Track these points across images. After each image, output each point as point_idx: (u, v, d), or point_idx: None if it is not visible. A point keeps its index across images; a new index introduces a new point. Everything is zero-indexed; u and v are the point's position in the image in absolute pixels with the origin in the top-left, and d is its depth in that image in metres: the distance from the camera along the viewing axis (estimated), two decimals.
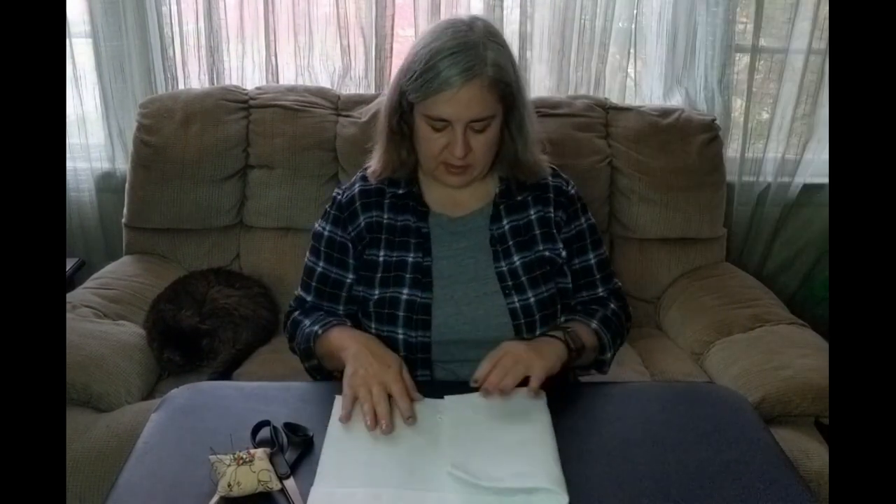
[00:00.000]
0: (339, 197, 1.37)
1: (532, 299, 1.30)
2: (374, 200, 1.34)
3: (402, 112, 1.27)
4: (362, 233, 1.33)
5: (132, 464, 0.99)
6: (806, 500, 0.97)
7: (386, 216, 1.33)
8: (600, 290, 1.38)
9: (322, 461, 0.99)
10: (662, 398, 1.18)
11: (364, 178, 1.37)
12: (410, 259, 1.30)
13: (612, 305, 1.37)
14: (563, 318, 1.32)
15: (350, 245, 1.34)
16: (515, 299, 1.29)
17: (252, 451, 0.96)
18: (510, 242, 1.33)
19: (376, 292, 1.30)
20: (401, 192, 1.34)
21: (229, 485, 0.91)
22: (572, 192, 1.38)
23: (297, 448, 1.01)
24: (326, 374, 1.31)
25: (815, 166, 2.41)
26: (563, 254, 1.34)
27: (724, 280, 2.09)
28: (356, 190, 1.36)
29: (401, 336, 1.27)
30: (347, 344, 1.19)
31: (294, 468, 0.98)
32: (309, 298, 1.38)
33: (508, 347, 1.16)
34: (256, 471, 0.93)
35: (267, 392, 1.17)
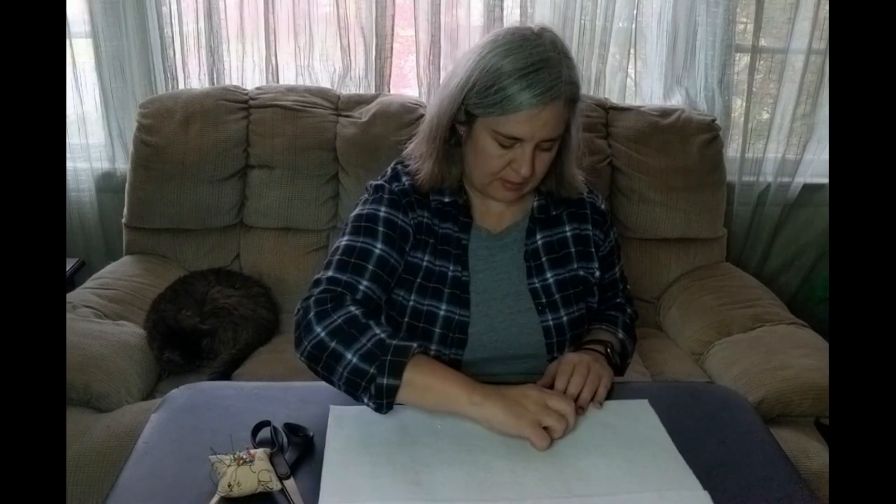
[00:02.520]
0: (392, 185, 1.27)
1: (565, 318, 1.28)
2: (424, 201, 1.27)
3: (457, 125, 1.21)
4: (413, 230, 1.25)
5: (132, 464, 0.99)
6: (806, 500, 0.97)
7: (434, 221, 1.27)
8: (620, 298, 1.42)
9: (325, 476, 0.97)
10: (662, 398, 1.18)
11: (404, 175, 1.29)
12: (450, 272, 1.25)
13: (629, 310, 1.41)
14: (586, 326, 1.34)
15: (411, 232, 1.24)
16: (549, 317, 1.27)
17: (252, 451, 0.95)
18: (543, 259, 1.30)
19: (412, 299, 1.23)
20: (446, 200, 1.27)
21: (229, 485, 0.91)
22: (603, 207, 1.38)
23: (297, 448, 1.01)
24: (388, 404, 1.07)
25: (815, 166, 2.41)
26: (598, 273, 1.33)
27: (724, 280, 2.09)
28: (407, 184, 1.27)
29: (433, 352, 1.23)
30: (451, 389, 1.03)
31: (294, 468, 0.98)
32: (363, 285, 1.16)
33: (574, 358, 1.16)
34: (256, 471, 0.93)
35: (267, 392, 1.17)
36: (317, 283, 1.17)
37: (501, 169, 1.19)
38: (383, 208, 1.23)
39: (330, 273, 1.17)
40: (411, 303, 1.23)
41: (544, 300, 1.27)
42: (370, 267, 1.18)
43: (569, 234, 1.32)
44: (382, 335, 1.05)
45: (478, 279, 1.27)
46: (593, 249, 1.33)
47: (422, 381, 1.03)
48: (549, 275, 1.29)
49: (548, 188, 1.31)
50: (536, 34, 1.14)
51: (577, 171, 1.30)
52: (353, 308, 1.10)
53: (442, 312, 1.23)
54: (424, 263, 1.24)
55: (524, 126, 1.13)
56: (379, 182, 1.29)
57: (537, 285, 1.28)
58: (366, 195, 1.28)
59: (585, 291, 1.31)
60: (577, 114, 1.21)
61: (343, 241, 1.22)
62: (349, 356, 1.05)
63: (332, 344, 1.07)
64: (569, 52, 1.17)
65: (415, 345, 1.04)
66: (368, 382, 1.03)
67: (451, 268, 1.25)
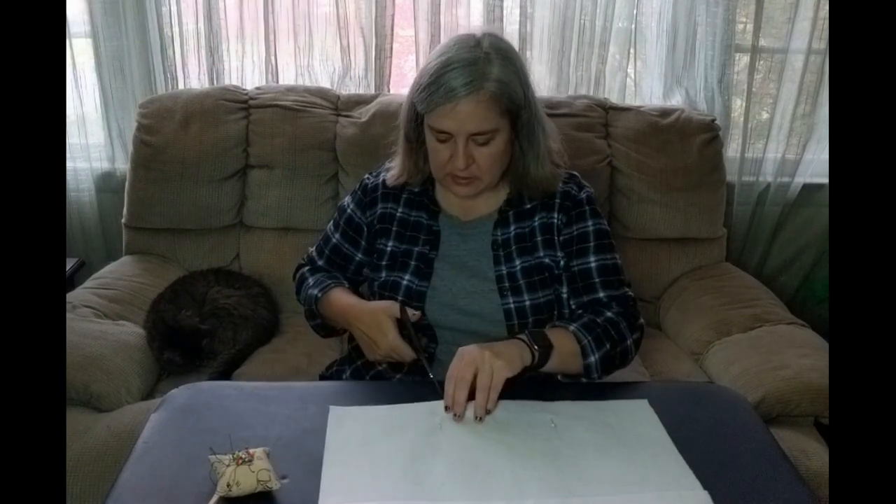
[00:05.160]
0: (367, 181, 1.46)
1: (527, 302, 1.33)
2: (393, 193, 1.42)
3: (415, 123, 1.31)
4: (375, 222, 1.42)
5: (132, 464, 0.99)
6: (806, 500, 0.97)
7: (400, 210, 1.41)
8: (601, 294, 1.32)
9: (324, 476, 0.97)
10: (662, 398, 1.18)
11: (385, 170, 1.44)
12: (417, 250, 1.38)
13: (610, 313, 1.30)
14: (554, 312, 1.35)
15: (365, 228, 1.44)
16: (511, 300, 1.33)
17: (251, 450, 0.96)
18: (513, 247, 1.36)
19: (383, 274, 1.38)
20: (416, 190, 1.41)
21: (228, 485, 0.91)
22: (581, 196, 1.38)
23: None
24: (331, 330, 1.46)
25: (815, 166, 2.41)
26: (562, 262, 1.36)
27: (724, 280, 2.09)
28: (380, 179, 1.44)
29: None
30: (341, 319, 1.36)
31: (294, 468, 0.97)
32: (320, 262, 1.50)
33: (463, 352, 1.13)
34: (255, 470, 0.93)
35: (267, 392, 1.17)
36: (308, 250, 1.55)
37: (446, 163, 1.28)
38: (351, 205, 1.47)
39: (312, 247, 1.54)
40: (382, 277, 1.38)
41: (507, 284, 1.34)
42: (326, 251, 1.49)
43: (537, 223, 1.37)
44: (314, 292, 1.41)
45: (446, 260, 1.37)
46: (556, 237, 1.36)
47: (333, 297, 1.37)
48: (517, 262, 1.35)
49: (516, 187, 1.37)
50: (476, 38, 1.25)
51: (556, 170, 1.36)
52: (305, 270, 1.51)
53: (404, 282, 1.36)
54: (389, 248, 1.40)
55: (447, 120, 1.23)
56: (367, 175, 1.48)
57: (504, 271, 1.35)
58: (357, 185, 1.48)
59: (552, 278, 1.36)
60: (530, 113, 1.28)
61: (329, 222, 1.52)
62: (303, 291, 1.45)
63: (299, 297, 1.49)
64: (509, 54, 1.25)
65: (317, 292, 1.39)
66: (306, 296, 1.43)
67: (419, 247, 1.38)
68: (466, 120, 1.22)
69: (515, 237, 1.37)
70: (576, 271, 1.35)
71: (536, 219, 1.37)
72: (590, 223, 1.36)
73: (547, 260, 1.35)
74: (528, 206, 1.38)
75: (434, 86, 1.21)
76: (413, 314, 1.28)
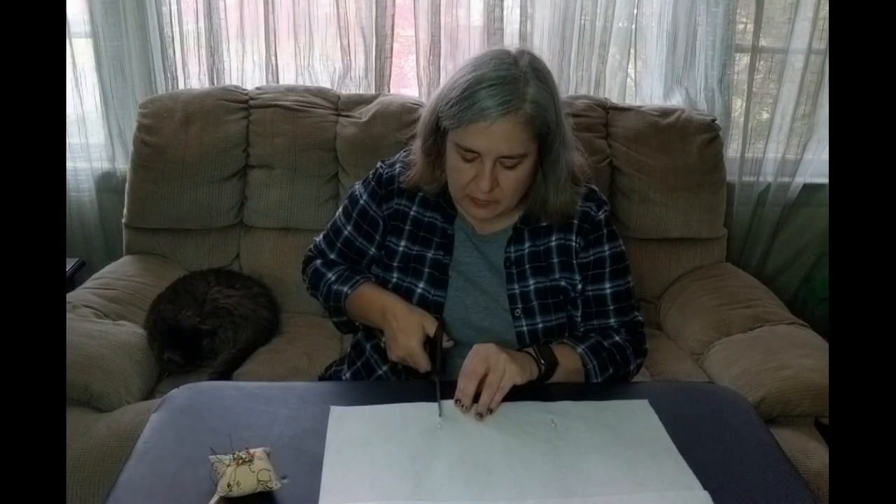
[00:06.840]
0: (382, 170, 1.38)
1: (540, 325, 1.30)
2: (409, 190, 1.35)
3: (437, 136, 1.25)
4: (388, 218, 1.36)
5: (132, 464, 0.99)
6: (806, 500, 0.97)
7: (414, 209, 1.35)
8: (612, 320, 1.34)
9: (325, 476, 0.97)
10: (662, 398, 1.18)
11: (401, 163, 1.37)
12: (430, 255, 1.33)
13: (618, 337, 1.32)
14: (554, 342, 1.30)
15: (381, 223, 1.36)
16: (524, 323, 1.30)
17: (251, 450, 0.96)
18: (527, 266, 1.32)
19: (394, 276, 1.33)
20: (434, 191, 1.34)
21: (229, 485, 0.91)
22: (600, 217, 1.34)
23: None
24: (354, 327, 1.41)
25: (815, 166, 2.41)
26: (579, 286, 1.33)
27: (724, 280, 2.09)
28: (396, 170, 1.36)
29: None
30: (376, 313, 1.27)
31: (294, 468, 0.97)
32: (331, 256, 1.42)
33: (479, 349, 1.14)
34: (256, 470, 0.93)
35: (267, 392, 1.17)
36: (315, 240, 1.47)
37: (468, 184, 1.22)
38: (365, 195, 1.38)
39: (318, 237, 1.46)
40: (394, 279, 1.33)
41: (521, 306, 1.30)
42: (338, 244, 1.41)
43: (553, 244, 1.33)
44: (342, 288, 1.34)
45: (460, 267, 1.32)
46: (573, 259, 1.33)
47: (366, 293, 1.31)
48: (530, 282, 1.31)
49: (532, 211, 1.31)
50: (512, 55, 1.18)
51: (573, 193, 1.30)
52: (318, 263, 1.42)
53: (419, 290, 1.31)
54: (401, 248, 1.34)
55: (478, 138, 1.16)
56: (380, 164, 1.40)
57: (517, 291, 1.31)
58: (370, 173, 1.40)
59: (567, 301, 1.33)
60: (559, 137, 1.22)
61: (338, 210, 1.44)
62: (322, 286, 1.38)
63: (315, 292, 1.43)
64: (545, 76, 1.19)
65: (346, 290, 1.32)
66: (328, 291, 1.36)
67: (432, 252, 1.33)
68: (500, 141, 1.15)
69: (530, 255, 1.32)
70: (590, 296, 1.34)
71: (553, 238, 1.33)
72: (606, 247, 1.34)
73: (563, 283, 1.32)
74: (545, 223, 1.33)
75: (466, 101, 1.14)
76: (448, 342, 1.24)
